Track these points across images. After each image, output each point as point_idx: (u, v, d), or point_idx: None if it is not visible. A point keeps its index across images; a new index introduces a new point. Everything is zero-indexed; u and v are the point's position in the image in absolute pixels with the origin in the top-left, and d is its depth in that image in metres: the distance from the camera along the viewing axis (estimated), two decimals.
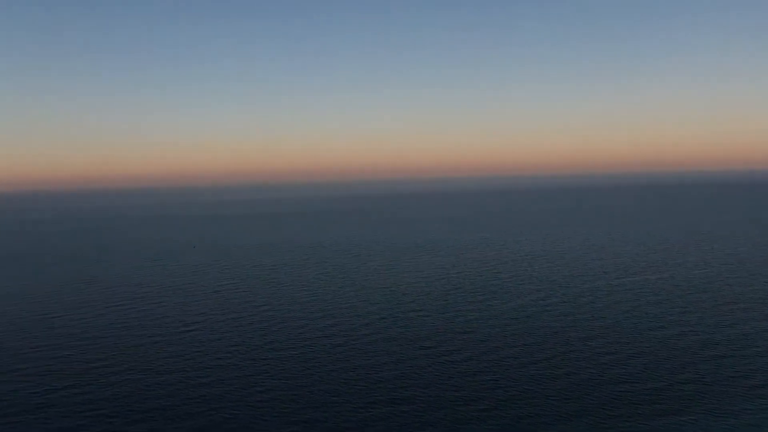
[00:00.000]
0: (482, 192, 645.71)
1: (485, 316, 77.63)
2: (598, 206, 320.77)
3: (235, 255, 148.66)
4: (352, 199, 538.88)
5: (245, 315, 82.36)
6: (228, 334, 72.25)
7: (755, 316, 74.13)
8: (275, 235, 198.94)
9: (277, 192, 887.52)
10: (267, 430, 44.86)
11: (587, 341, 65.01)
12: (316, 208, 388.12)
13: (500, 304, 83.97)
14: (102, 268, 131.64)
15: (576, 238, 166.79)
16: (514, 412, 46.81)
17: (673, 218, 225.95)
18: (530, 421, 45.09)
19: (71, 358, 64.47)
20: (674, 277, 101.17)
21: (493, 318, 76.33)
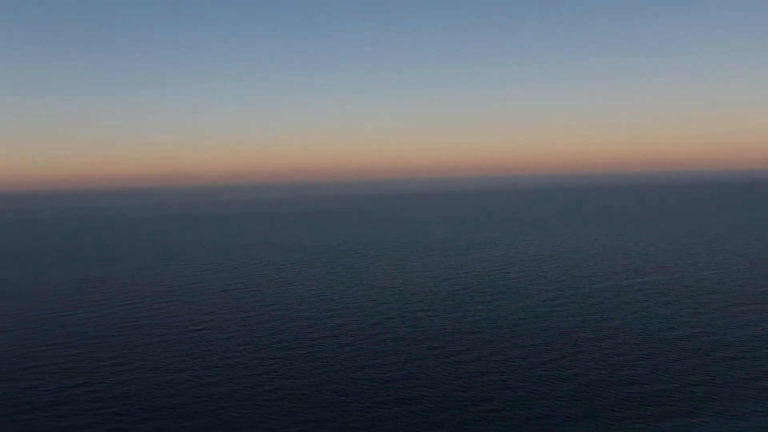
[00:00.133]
0: (484, 192, 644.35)
1: (493, 316, 77.46)
2: (603, 206, 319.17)
3: (242, 254, 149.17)
4: (353, 198, 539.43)
5: (253, 314, 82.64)
6: (236, 333, 72.53)
7: (767, 317, 73.49)
8: (281, 235, 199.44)
9: (278, 192, 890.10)
10: (275, 429, 44.99)
11: (596, 342, 64.71)
12: (318, 207, 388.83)
13: (508, 305, 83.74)
14: (110, 267, 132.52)
15: (584, 238, 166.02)
16: (523, 413, 46.67)
17: (680, 218, 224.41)
18: (539, 422, 44.94)
19: (81, 356, 64.97)
20: (684, 278, 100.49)
21: (501, 318, 76.15)
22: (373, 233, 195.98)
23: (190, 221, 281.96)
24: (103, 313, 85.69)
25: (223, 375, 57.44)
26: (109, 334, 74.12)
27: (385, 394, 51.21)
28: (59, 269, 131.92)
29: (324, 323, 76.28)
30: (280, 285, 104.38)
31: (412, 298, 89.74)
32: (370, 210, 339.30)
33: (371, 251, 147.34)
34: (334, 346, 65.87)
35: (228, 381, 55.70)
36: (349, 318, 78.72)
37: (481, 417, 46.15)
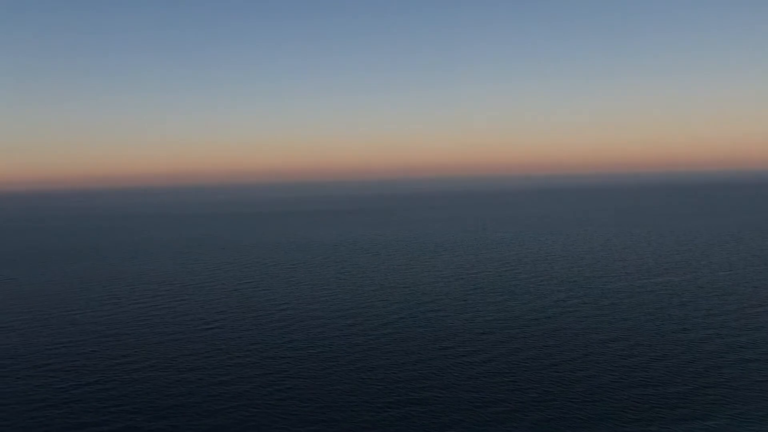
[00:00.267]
0: (490, 192, 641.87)
1: (505, 316, 77.11)
2: (614, 206, 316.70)
3: (253, 253, 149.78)
4: (360, 198, 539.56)
5: (264, 313, 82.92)
6: (247, 333, 72.81)
7: None
8: (291, 234, 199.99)
9: (283, 191, 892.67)
10: (285, 429, 45.09)
11: (609, 343, 64.19)
12: (325, 207, 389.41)
13: (520, 305, 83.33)
14: (121, 266, 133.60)
15: (596, 238, 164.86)
16: (535, 415, 46.39)
17: (692, 219, 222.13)
18: (551, 424, 44.65)
19: (94, 354, 65.54)
20: (698, 279, 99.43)
21: (512, 319, 75.79)
22: (383, 233, 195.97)
23: (196, 220, 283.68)
24: (115, 312, 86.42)
25: (234, 374, 57.68)
26: (121, 332, 74.72)
27: (395, 395, 51.15)
28: (70, 268, 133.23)
29: (335, 323, 76.36)
30: (292, 284, 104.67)
31: (423, 298, 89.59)
32: (377, 210, 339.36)
33: (382, 251, 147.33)
34: (344, 346, 65.91)
35: (239, 380, 55.92)
36: (360, 318, 78.74)
37: (492, 418, 45.94)
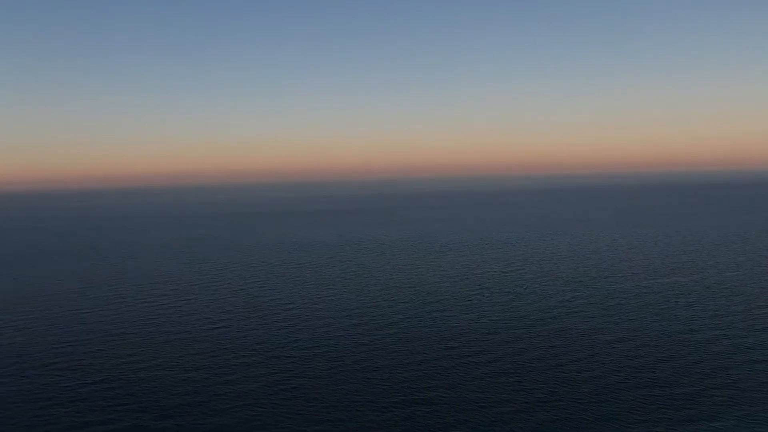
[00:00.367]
0: (491, 192, 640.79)
1: (510, 317, 76.95)
2: (615, 207, 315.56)
3: (258, 253, 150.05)
4: (363, 198, 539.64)
5: (270, 313, 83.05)
6: (253, 332, 72.95)
7: None
8: (295, 234, 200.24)
9: (287, 191, 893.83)
10: (291, 428, 45.14)
11: (615, 344, 63.96)
12: (329, 207, 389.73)
13: (526, 305, 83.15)
14: (126, 265, 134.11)
15: (602, 238, 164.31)
16: (540, 415, 46.28)
17: (694, 219, 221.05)
18: (556, 425, 44.53)
19: (101, 353, 65.82)
20: (705, 279, 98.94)
21: (518, 319, 75.62)
22: (387, 232, 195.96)
23: (198, 220, 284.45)
24: (121, 311, 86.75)
25: (240, 373, 57.80)
26: (127, 331, 74.99)
27: (401, 395, 51.13)
28: (76, 267, 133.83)
29: (340, 323, 76.40)
30: (297, 284, 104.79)
31: (428, 298, 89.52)
32: (378, 210, 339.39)
33: (387, 251, 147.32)
34: (350, 346, 65.94)
35: (245, 379, 56.03)
36: (365, 318, 78.76)
37: (497, 419, 45.85)
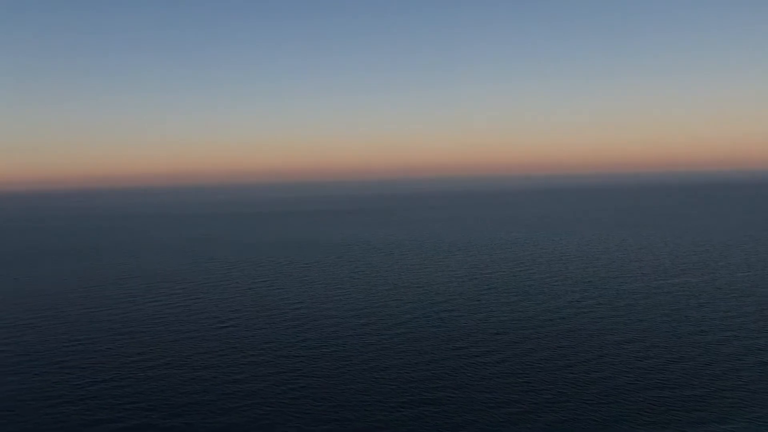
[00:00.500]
0: (491, 192, 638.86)
1: (519, 317, 76.66)
2: (621, 207, 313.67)
3: (266, 252, 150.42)
4: (364, 199, 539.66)
5: (278, 312, 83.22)
6: (261, 331, 73.12)
7: None
8: (302, 233, 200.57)
9: (287, 191, 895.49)
10: (299, 428, 45.19)
11: (624, 345, 63.55)
12: (334, 207, 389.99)
13: (534, 306, 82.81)
14: (135, 264, 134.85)
15: (611, 238, 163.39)
16: (548, 416, 46.06)
17: (708, 219, 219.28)
18: (565, 426, 44.30)
19: (110, 352, 66.21)
20: (716, 280, 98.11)
21: (526, 319, 75.32)
22: (392, 232, 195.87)
23: (200, 220, 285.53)
24: (130, 310, 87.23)
25: (248, 372, 57.94)
26: (136, 330, 75.40)
27: (409, 395, 51.06)
28: (81, 267, 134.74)
29: (348, 322, 76.43)
30: (305, 283, 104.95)
31: (436, 298, 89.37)
32: (380, 210, 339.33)
33: (396, 250, 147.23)
34: (358, 346, 65.94)
35: (253, 378, 56.16)
36: (373, 317, 78.73)
37: (505, 419, 45.68)
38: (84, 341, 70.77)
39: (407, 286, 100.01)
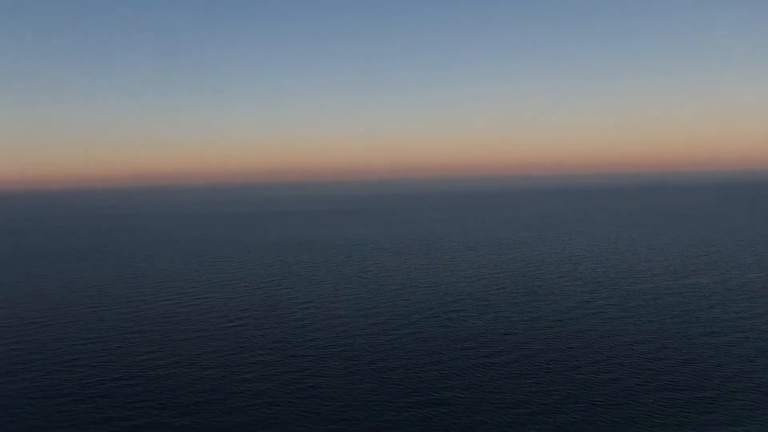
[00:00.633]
0: (491, 192, 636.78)
1: (528, 317, 76.37)
2: (630, 207, 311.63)
3: (275, 252, 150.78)
4: (365, 198, 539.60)
5: (287, 312, 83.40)
6: (270, 331, 73.30)
7: None
8: (310, 233, 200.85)
9: (288, 191, 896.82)
10: (307, 427, 45.25)
11: (634, 346, 63.14)
12: (339, 206, 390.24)
13: (543, 306, 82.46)
14: (145, 263, 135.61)
15: (621, 239, 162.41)
16: (558, 418, 45.84)
17: (718, 219, 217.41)
18: (574, 427, 44.07)
19: (120, 350, 66.62)
20: (727, 281, 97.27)
21: (536, 320, 75.02)
22: (399, 232, 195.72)
23: (207, 220, 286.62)
24: (140, 308, 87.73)
25: (257, 372, 58.10)
26: (146, 329, 75.82)
27: (417, 395, 51.00)
28: (97, 265, 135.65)
29: (357, 322, 76.46)
30: (314, 283, 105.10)
31: (445, 298, 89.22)
32: (387, 209, 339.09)
33: (404, 249, 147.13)
34: (366, 345, 65.95)
35: (262, 378, 56.31)
36: (381, 317, 78.72)
37: (514, 421, 45.51)
38: (94, 340, 71.25)
39: (415, 285, 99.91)
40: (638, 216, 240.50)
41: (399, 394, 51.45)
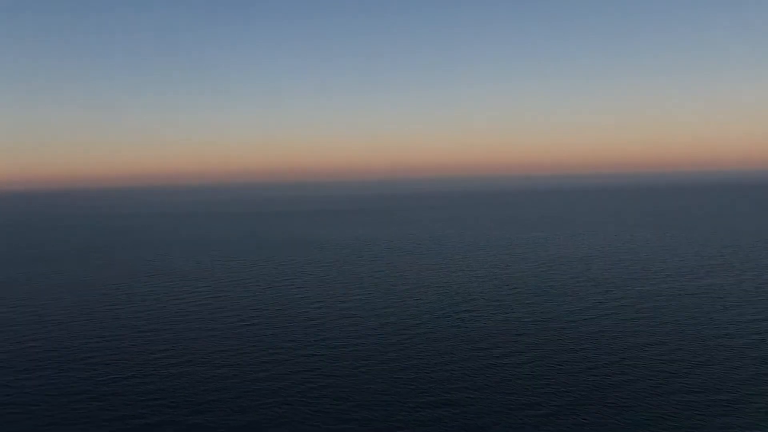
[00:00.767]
0: (491, 192, 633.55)
1: (540, 318, 75.95)
2: (642, 207, 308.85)
3: (287, 251, 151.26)
4: (366, 198, 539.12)
5: (299, 311, 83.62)
6: (282, 330, 73.54)
7: None
8: (320, 233, 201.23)
9: (288, 191, 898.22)
10: (318, 427, 45.33)
11: (648, 348, 62.55)
12: (346, 206, 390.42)
13: (556, 306, 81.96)
14: (158, 263, 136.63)
15: (636, 239, 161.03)
16: (571, 419, 45.53)
17: (732, 219, 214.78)
18: (587, 429, 43.74)
19: (133, 348, 67.16)
20: (743, 282, 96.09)
21: (548, 320, 74.59)
22: (401, 232, 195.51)
23: (207, 219, 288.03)
24: (153, 307, 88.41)
25: (268, 371, 58.31)
26: (159, 327, 76.38)
27: (428, 395, 50.90)
28: (109, 264, 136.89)
29: (368, 322, 76.48)
30: (326, 282, 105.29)
31: (456, 298, 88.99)
32: (388, 209, 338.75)
33: (416, 249, 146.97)
34: (378, 345, 65.94)
35: (274, 377, 56.50)
36: (393, 317, 78.68)
37: (526, 422, 45.27)
38: (109, 338, 71.91)
39: (426, 285, 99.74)
40: (649, 216, 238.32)
41: (410, 394, 51.38)
